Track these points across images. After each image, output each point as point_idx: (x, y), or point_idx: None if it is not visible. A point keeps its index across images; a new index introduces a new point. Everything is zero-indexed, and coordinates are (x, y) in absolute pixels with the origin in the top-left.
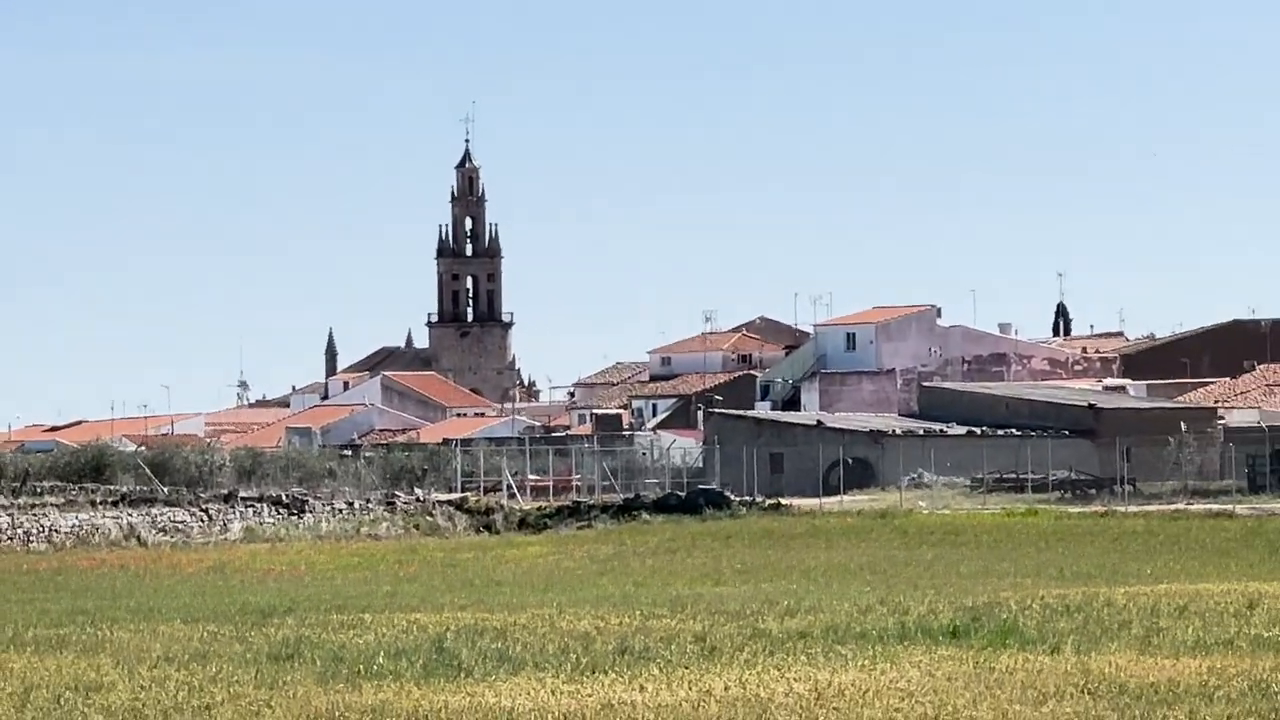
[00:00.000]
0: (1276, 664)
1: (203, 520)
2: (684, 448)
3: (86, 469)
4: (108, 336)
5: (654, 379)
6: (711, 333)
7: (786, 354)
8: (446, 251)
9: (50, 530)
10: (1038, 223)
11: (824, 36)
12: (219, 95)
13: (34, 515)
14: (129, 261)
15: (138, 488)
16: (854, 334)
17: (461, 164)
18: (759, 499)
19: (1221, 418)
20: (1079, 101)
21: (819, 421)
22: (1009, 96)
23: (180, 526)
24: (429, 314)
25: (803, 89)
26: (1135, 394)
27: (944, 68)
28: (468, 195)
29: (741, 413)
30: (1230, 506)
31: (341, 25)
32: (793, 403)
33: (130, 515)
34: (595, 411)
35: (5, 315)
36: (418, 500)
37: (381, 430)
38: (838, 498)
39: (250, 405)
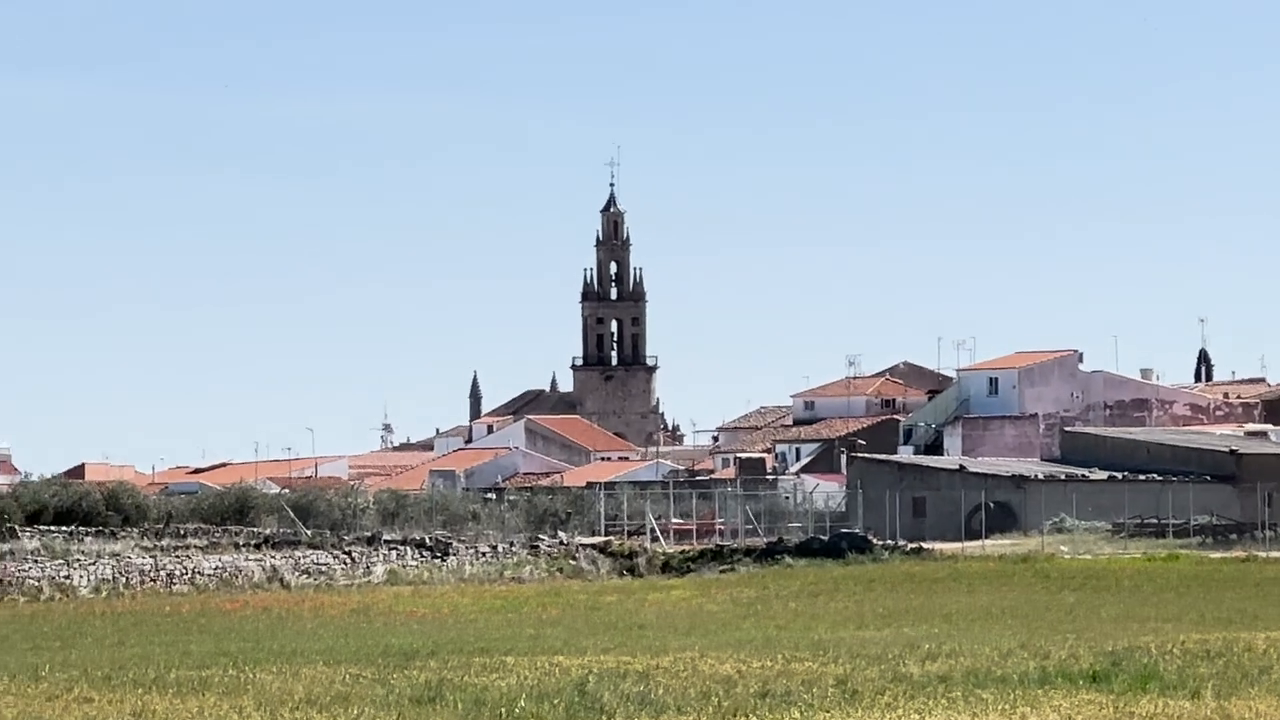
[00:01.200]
0: None
1: (346, 563)
2: (827, 492)
3: (230, 511)
4: (252, 379)
5: (797, 423)
6: (855, 377)
7: (929, 398)
8: (591, 295)
9: (193, 572)
10: (1179, 268)
11: (961, 85)
12: (365, 138)
13: (177, 557)
14: (273, 305)
15: (281, 530)
16: (997, 379)
17: (606, 208)
18: (901, 543)
19: None
20: (1218, 146)
21: (961, 466)
22: (1150, 141)
23: (323, 569)
24: (573, 357)
25: (944, 137)
26: (1277, 439)
27: (1087, 113)
28: (612, 239)
29: (884, 457)
30: None
31: (488, 69)
32: (935, 447)
33: (273, 558)
34: (739, 455)
35: (152, 358)
36: (561, 543)
37: (525, 474)
38: (980, 542)
39: (394, 448)
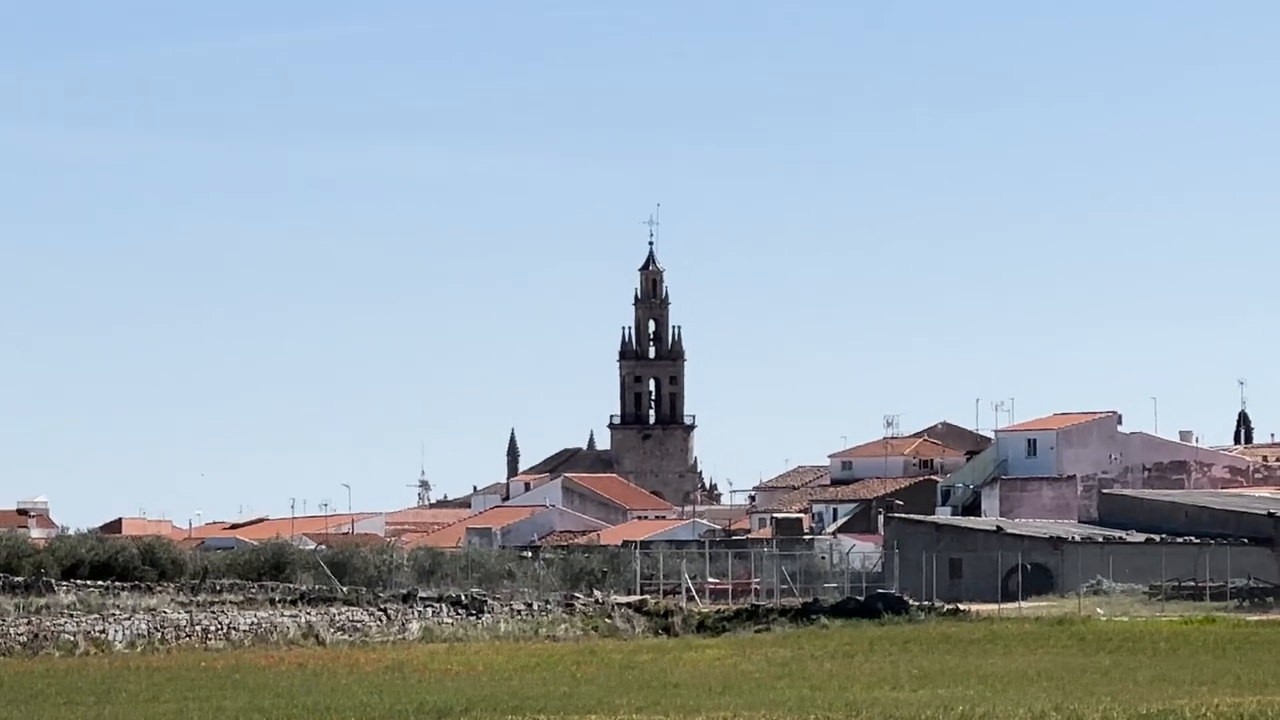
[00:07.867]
0: None
1: (381, 620)
2: (863, 552)
3: (266, 567)
4: (290, 435)
5: (835, 483)
6: (893, 438)
7: (968, 459)
8: (629, 354)
9: (228, 628)
10: (1219, 330)
11: (999, 147)
12: (403, 194)
13: (212, 613)
14: (311, 361)
15: (317, 586)
16: (1035, 440)
17: (645, 266)
18: (937, 604)
19: None
20: (1259, 208)
21: (999, 527)
22: (1190, 204)
23: (359, 626)
24: (611, 416)
25: (983, 197)
26: None
27: (1126, 176)
28: (651, 298)
29: (921, 518)
30: None
31: (526, 127)
32: (973, 508)
33: (309, 614)
34: (775, 515)
35: (190, 414)
36: (596, 602)
37: (562, 532)
38: (1016, 603)
39: (431, 505)
